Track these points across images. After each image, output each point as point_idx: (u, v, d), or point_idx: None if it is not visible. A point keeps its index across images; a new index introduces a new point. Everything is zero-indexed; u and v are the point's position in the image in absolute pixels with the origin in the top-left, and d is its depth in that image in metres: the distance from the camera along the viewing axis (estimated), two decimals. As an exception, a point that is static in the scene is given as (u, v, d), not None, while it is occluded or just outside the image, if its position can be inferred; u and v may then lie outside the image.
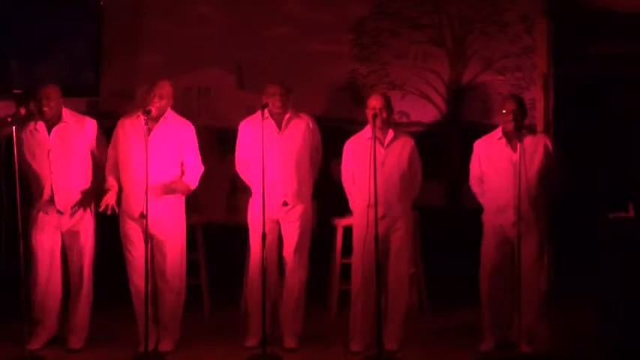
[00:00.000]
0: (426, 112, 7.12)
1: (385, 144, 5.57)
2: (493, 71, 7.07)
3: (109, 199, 5.46)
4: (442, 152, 7.02)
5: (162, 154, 5.48)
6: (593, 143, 7.29)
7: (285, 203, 5.64)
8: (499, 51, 7.08)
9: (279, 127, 5.65)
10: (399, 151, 5.58)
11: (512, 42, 7.06)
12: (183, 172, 5.60)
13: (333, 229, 6.55)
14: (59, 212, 5.58)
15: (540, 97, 6.96)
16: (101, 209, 5.45)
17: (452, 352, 5.67)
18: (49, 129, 5.58)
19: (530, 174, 5.42)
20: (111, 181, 5.55)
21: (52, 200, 5.57)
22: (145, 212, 5.33)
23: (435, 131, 7.08)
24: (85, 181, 5.65)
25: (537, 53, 7.01)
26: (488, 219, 5.60)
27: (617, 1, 6.97)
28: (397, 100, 7.02)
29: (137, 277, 5.51)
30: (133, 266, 5.55)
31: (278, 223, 5.69)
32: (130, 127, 5.53)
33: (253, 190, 5.73)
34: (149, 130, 5.44)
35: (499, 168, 5.52)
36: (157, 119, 5.52)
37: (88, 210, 5.67)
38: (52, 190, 5.57)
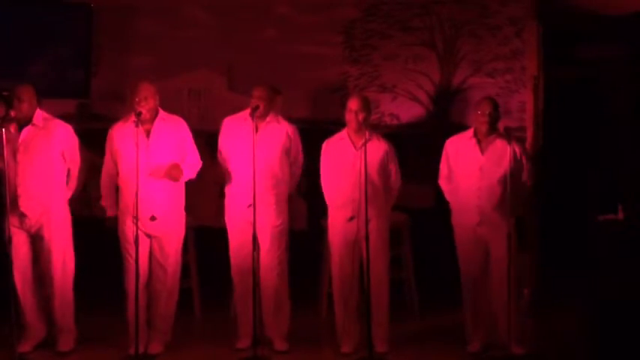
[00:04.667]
0: (416, 114, 7.13)
1: (358, 146, 5.56)
2: (483, 74, 7.09)
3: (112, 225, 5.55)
4: (432, 154, 7.00)
5: (163, 154, 5.48)
6: (583, 145, 7.32)
7: (250, 205, 5.53)
8: (489, 53, 7.09)
9: (257, 129, 5.60)
10: (371, 153, 5.53)
11: (502, 45, 7.08)
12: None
13: (322, 231, 6.55)
14: (23, 215, 5.52)
15: (530, 99, 6.98)
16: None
17: (442, 354, 5.68)
18: (21, 130, 5.52)
19: (495, 177, 5.43)
20: (110, 206, 5.57)
21: (16, 202, 5.50)
22: (154, 215, 5.34)
23: (425, 133, 7.08)
24: (52, 185, 5.57)
25: (527, 56, 7.02)
26: (456, 219, 5.64)
27: (607, 4, 6.99)
28: (388, 102, 7.04)
29: (134, 278, 5.48)
30: (130, 267, 5.51)
31: (251, 224, 5.60)
32: (126, 132, 5.50)
33: (226, 189, 5.73)
34: (147, 132, 5.45)
35: (466, 168, 5.55)
36: (151, 120, 5.50)
37: (57, 214, 5.59)
38: (16, 191, 5.51)
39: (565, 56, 7.22)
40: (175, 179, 5.50)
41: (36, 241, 5.60)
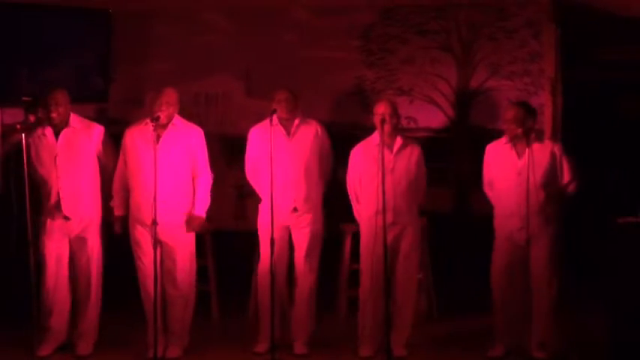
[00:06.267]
0: (433, 117, 7.12)
1: (394, 151, 5.58)
2: (501, 77, 7.06)
3: (118, 228, 5.55)
4: (450, 158, 7.02)
5: (172, 161, 5.50)
6: (602, 148, 7.28)
7: (295, 209, 5.65)
8: (507, 56, 7.07)
9: (289, 132, 5.67)
10: (408, 157, 5.59)
11: (520, 47, 7.05)
12: (193, 178, 5.60)
13: (341, 236, 6.55)
14: (65, 218, 5.59)
15: (548, 102, 6.95)
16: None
17: (460, 358, 5.66)
18: (57, 134, 5.59)
19: (536, 180, 5.40)
20: (118, 206, 5.58)
21: (58, 205, 5.58)
22: (155, 220, 5.33)
23: (442, 137, 7.07)
24: (92, 186, 5.65)
25: (545, 59, 6.99)
26: (498, 224, 5.61)
27: (624, 6, 6.96)
28: (405, 105, 7.03)
29: (148, 284, 5.52)
30: (143, 273, 5.55)
31: (288, 229, 5.70)
32: (138, 135, 5.55)
33: (262, 196, 5.74)
34: (158, 137, 5.47)
35: (504, 173, 5.53)
36: (165, 126, 5.53)
37: (96, 216, 5.67)
38: (58, 195, 5.57)
39: (583, 59, 7.19)
40: (200, 228, 5.63)
41: (74, 243, 5.64)
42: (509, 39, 7.07)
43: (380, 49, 7.18)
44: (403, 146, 5.59)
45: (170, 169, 5.48)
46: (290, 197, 5.61)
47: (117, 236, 5.63)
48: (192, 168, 5.60)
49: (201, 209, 5.61)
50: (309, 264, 5.71)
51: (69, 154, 5.58)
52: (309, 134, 5.72)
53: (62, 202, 5.57)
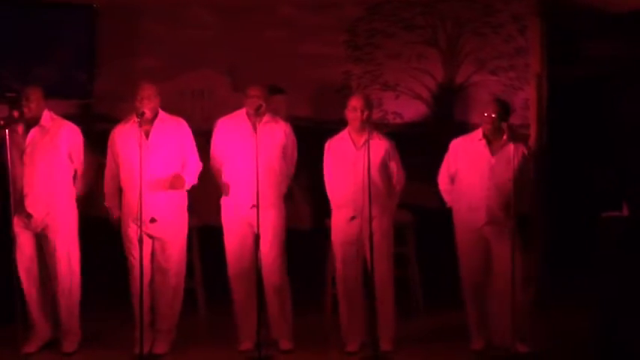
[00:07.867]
0: (419, 112, 7.13)
1: (359, 145, 5.56)
2: (486, 71, 7.07)
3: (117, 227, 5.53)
4: (436, 153, 7.00)
5: (163, 155, 5.50)
6: (587, 143, 7.30)
7: (253, 206, 5.53)
8: (492, 51, 7.08)
9: (255, 128, 5.57)
10: (372, 152, 5.48)
11: (506, 42, 7.06)
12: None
13: (326, 231, 6.54)
14: (29, 215, 5.55)
15: (534, 97, 6.96)
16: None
17: (447, 353, 5.68)
18: (28, 131, 5.55)
19: (504, 178, 5.41)
20: (114, 207, 5.56)
21: (22, 202, 5.53)
22: (153, 216, 5.38)
23: (428, 131, 7.07)
24: (59, 185, 5.59)
25: (531, 53, 7.00)
26: (460, 218, 5.61)
27: (611, 1, 6.98)
28: (391, 100, 7.04)
29: (139, 280, 5.50)
30: (134, 268, 5.53)
31: (250, 225, 5.59)
32: (127, 134, 5.53)
33: (224, 189, 5.72)
34: (147, 133, 5.46)
35: (476, 168, 5.53)
36: (151, 121, 5.52)
37: (62, 215, 5.61)
38: (22, 192, 5.53)
39: (569, 54, 7.20)
40: (179, 189, 5.54)
41: (41, 240, 5.62)
42: (495, 34, 7.08)
43: (366, 44, 7.17)
44: (367, 141, 5.48)
45: (162, 164, 5.48)
46: (249, 193, 5.51)
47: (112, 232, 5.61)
48: (183, 160, 5.59)
49: (188, 175, 5.57)
50: (273, 260, 5.65)
51: (34, 152, 5.53)
52: (275, 132, 5.67)
53: (26, 199, 5.52)
